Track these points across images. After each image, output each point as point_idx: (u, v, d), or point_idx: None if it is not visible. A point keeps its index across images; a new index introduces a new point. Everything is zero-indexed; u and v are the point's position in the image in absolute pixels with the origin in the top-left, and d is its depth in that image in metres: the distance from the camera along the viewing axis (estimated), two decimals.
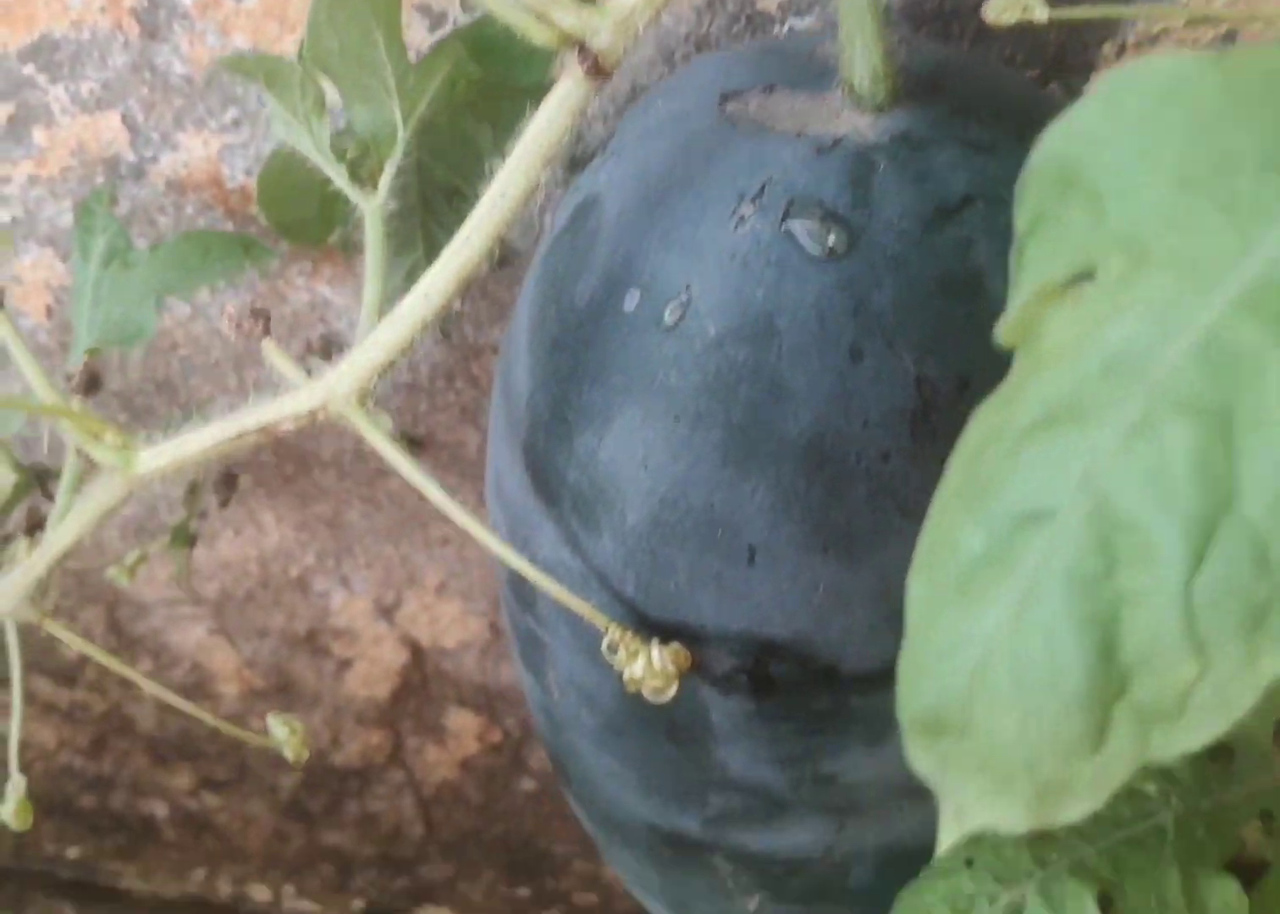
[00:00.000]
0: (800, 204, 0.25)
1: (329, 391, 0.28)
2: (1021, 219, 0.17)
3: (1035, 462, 0.16)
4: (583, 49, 0.26)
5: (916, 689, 0.16)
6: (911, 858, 0.32)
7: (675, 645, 0.27)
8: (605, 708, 0.30)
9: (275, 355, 0.29)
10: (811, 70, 0.27)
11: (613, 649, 0.27)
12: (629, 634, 0.27)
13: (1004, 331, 0.17)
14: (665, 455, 0.26)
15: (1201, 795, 0.31)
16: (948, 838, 0.16)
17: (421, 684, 0.54)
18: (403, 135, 0.31)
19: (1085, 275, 0.17)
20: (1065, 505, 0.15)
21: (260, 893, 0.64)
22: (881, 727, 0.28)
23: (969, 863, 0.30)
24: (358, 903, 0.63)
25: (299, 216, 0.37)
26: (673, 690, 0.27)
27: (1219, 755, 0.33)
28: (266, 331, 0.30)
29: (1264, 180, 0.15)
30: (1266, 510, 0.14)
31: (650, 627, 0.27)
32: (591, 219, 0.28)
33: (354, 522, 0.48)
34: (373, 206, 0.31)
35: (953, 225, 0.25)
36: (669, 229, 0.26)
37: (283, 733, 0.37)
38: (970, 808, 0.16)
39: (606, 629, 0.27)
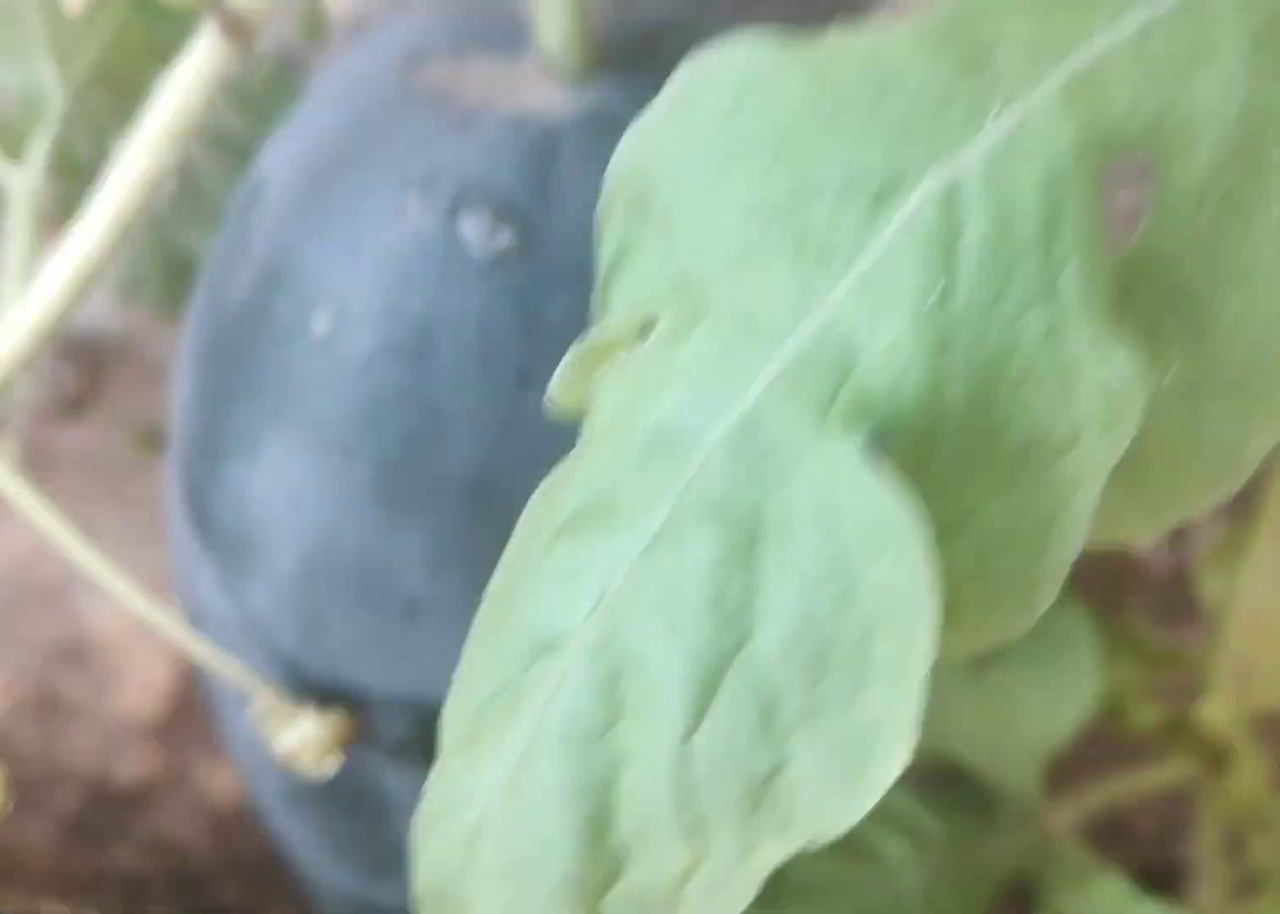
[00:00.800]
0: (470, 196, 0.21)
1: None
2: (606, 248, 0.14)
3: (556, 573, 0.12)
4: (219, 5, 0.21)
5: (425, 850, 0.13)
6: None
7: (334, 712, 0.23)
8: (280, 773, 0.26)
9: None
10: (517, 27, 0.24)
11: (264, 717, 0.23)
12: (280, 700, 0.23)
13: (555, 395, 0.13)
14: (315, 493, 0.22)
15: (952, 855, 0.29)
16: None
17: (201, 700, 0.49)
18: (60, 100, 0.27)
19: (650, 328, 0.13)
20: (576, 635, 0.12)
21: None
22: None
23: None
24: None
25: None
26: (332, 764, 0.23)
27: (977, 810, 0.30)
28: None
29: (842, 211, 0.12)
30: (780, 649, 0.11)
31: (311, 687, 0.24)
32: (256, 206, 0.24)
33: (107, 528, 0.44)
34: (22, 183, 0.26)
35: None
36: (328, 221, 0.22)
37: None
38: None
39: (256, 694, 0.23)
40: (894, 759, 0.11)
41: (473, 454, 0.21)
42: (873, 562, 0.11)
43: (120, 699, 0.50)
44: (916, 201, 0.11)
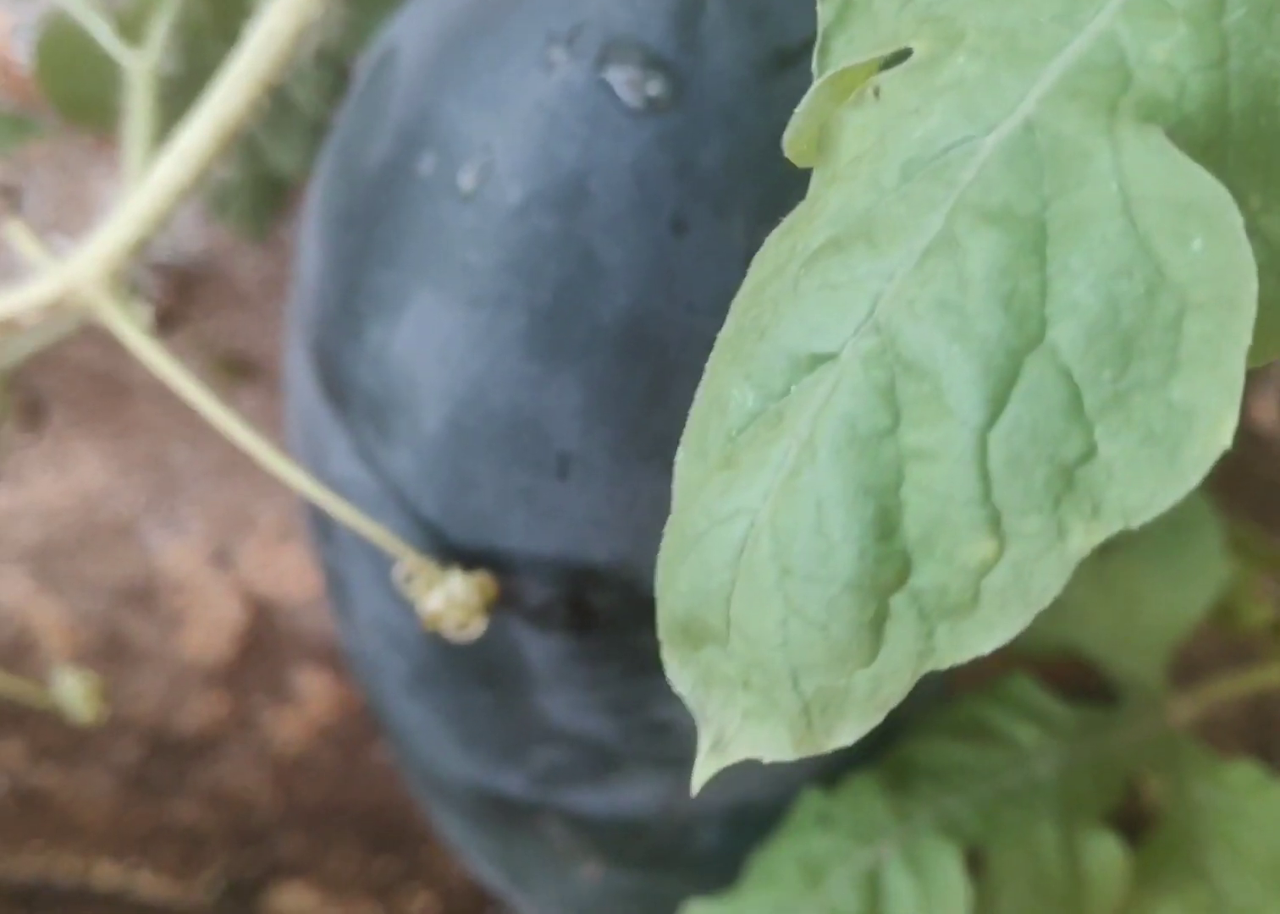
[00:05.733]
0: (618, 47, 0.21)
1: (74, 276, 0.23)
2: (826, 7, 0.14)
3: (817, 295, 0.12)
4: None
5: (674, 584, 0.13)
6: (761, 819, 0.29)
7: (480, 573, 0.23)
8: (413, 651, 0.26)
9: (21, 237, 0.25)
10: None
11: (409, 579, 0.23)
12: (426, 562, 0.23)
13: (790, 142, 0.13)
14: (464, 347, 0.22)
15: (1082, 743, 0.29)
16: (703, 774, 0.13)
17: (272, 643, 0.49)
18: None
19: (892, 63, 0.13)
20: (847, 346, 0.12)
21: (110, 875, 0.60)
22: None
23: (823, 819, 0.27)
24: (217, 881, 0.59)
25: (82, 92, 0.32)
26: (479, 626, 0.23)
27: (1104, 700, 0.30)
28: (16, 208, 0.25)
29: None
30: (1080, 340, 0.11)
31: (454, 553, 0.23)
32: (388, 73, 0.24)
33: (180, 461, 0.44)
34: (141, 66, 0.26)
35: (794, 74, 0.21)
36: (468, 79, 0.22)
37: (72, 685, 0.33)
38: (733, 735, 0.12)
39: (401, 556, 0.23)
40: (1215, 439, 0.10)
41: (626, 303, 0.21)
42: (1180, 246, 0.10)
43: (187, 643, 0.49)
44: None
